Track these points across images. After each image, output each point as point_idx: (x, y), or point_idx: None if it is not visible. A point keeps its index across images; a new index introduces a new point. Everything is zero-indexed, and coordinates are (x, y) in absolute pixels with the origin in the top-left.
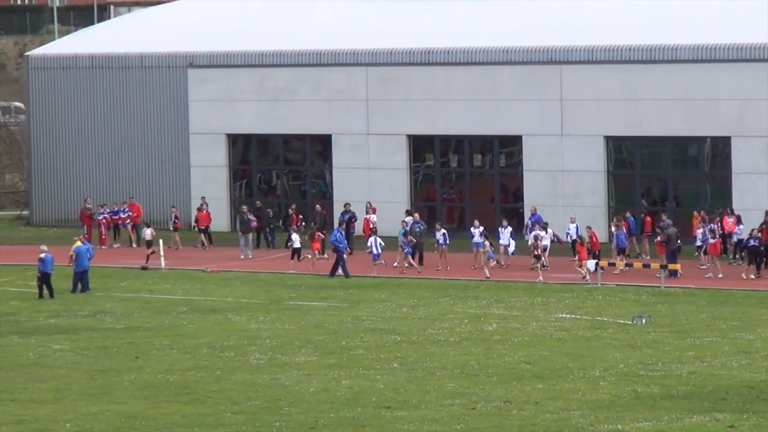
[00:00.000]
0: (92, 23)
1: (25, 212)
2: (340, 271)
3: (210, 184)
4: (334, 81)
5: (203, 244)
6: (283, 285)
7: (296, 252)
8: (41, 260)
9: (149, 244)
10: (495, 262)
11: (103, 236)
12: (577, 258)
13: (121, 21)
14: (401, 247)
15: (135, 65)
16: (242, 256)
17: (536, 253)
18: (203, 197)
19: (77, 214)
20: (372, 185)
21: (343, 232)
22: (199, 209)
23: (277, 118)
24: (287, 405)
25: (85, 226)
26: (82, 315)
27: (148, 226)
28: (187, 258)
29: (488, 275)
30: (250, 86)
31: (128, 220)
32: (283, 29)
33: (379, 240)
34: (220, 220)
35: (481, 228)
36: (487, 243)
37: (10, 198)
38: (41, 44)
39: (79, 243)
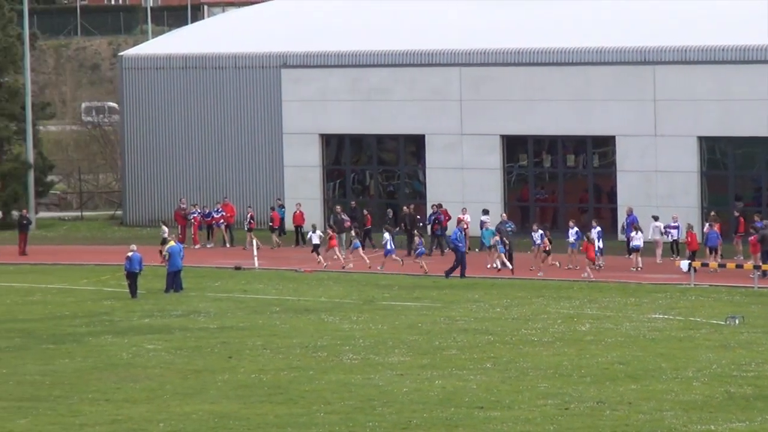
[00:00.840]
0: (186, 23)
1: (119, 212)
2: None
3: (303, 184)
4: (428, 81)
5: (278, 245)
6: (377, 285)
7: (315, 248)
8: (128, 259)
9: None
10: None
11: (194, 235)
12: (586, 256)
13: (215, 21)
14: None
15: (228, 65)
16: (335, 257)
17: (546, 249)
18: (278, 198)
19: (170, 214)
20: (465, 185)
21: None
22: (273, 209)
23: (371, 118)
24: (380, 405)
25: (179, 226)
26: (176, 315)
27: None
28: (280, 258)
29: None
30: (343, 86)
31: (222, 220)
32: (377, 29)
33: (392, 235)
34: (314, 220)
35: (574, 227)
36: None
37: (104, 198)
38: (135, 44)
39: (172, 243)
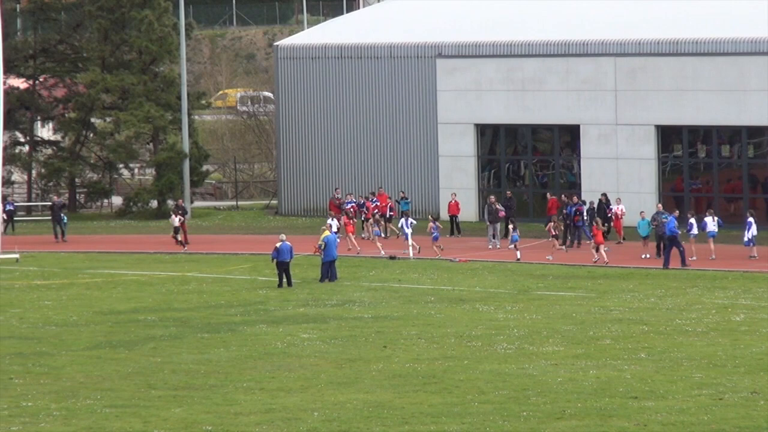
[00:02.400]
0: (341, 13)
1: (274, 201)
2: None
3: (458, 174)
4: (582, 71)
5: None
6: (531, 275)
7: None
8: (276, 249)
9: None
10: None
11: (350, 225)
12: (592, 242)
13: (370, 11)
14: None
15: (384, 55)
16: (490, 246)
17: (554, 233)
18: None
19: (325, 203)
20: (619, 175)
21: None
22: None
23: (525, 108)
24: (534, 395)
25: (334, 216)
26: (331, 304)
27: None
28: (432, 248)
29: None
30: (498, 76)
31: (376, 210)
32: (531, 19)
33: (411, 220)
34: (469, 210)
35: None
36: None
37: (259, 187)
38: (290, 34)
39: (327, 233)
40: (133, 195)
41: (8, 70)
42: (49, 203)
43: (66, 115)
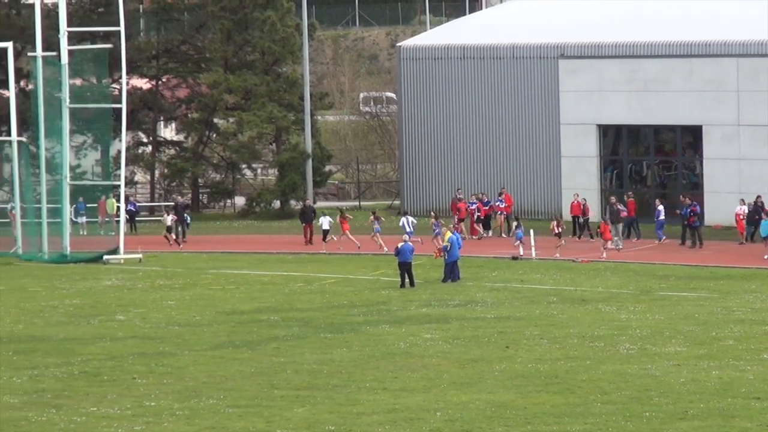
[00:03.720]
0: (463, 14)
1: (397, 202)
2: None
3: (580, 174)
4: (705, 72)
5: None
6: (653, 275)
7: (325, 234)
8: (397, 249)
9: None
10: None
11: (473, 226)
12: (602, 237)
13: (493, 12)
14: None
15: (506, 56)
16: (611, 246)
17: (556, 231)
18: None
19: (448, 204)
20: (742, 176)
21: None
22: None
23: (648, 108)
24: (657, 395)
25: (456, 217)
26: (453, 304)
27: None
28: (556, 248)
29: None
30: (620, 77)
31: (499, 211)
32: (654, 20)
33: (411, 219)
34: (591, 211)
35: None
36: None
37: (382, 188)
38: (412, 35)
39: (449, 233)
40: (255, 195)
41: (131, 71)
42: (173, 203)
43: (189, 115)
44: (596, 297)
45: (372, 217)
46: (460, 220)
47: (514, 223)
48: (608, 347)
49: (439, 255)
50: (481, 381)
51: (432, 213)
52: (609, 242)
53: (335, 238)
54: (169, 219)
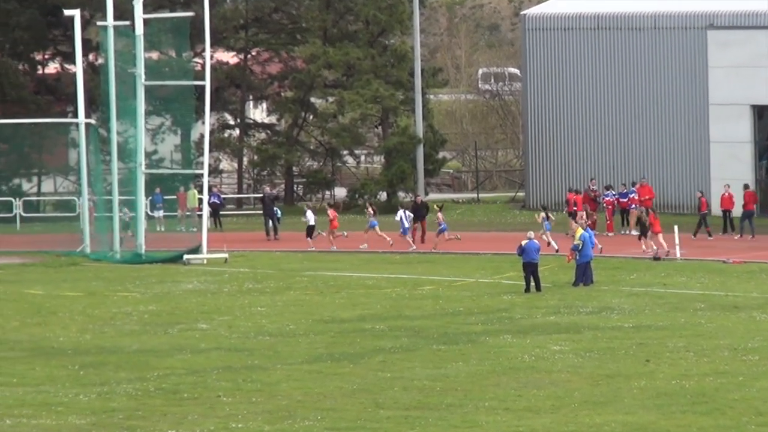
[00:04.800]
0: None
1: (520, 194)
2: None
3: (732, 163)
4: None
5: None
6: None
7: (310, 230)
8: (521, 247)
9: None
10: None
11: (609, 222)
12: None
13: None
14: None
15: (646, 26)
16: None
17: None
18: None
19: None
20: None
21: None
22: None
23: None
24: None
25: (590, 211)
26: (585, 312)
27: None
28: (706, 247)
29: None
30: None
31: (635, 204)
32: None
33: (409, 213)
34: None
35: None
36: None
37: (504, 178)
38: (539, 2)
39: (580, 230)
40: (358, 186)
41: (216, 43)
42: (261, 195)
43: (282, 94)
44: (750, 303)
45: (370, 210)
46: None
47: (542, 214)
48: (764, 361)
49: (571, 258)
50: (617, 400)
51: (436, 206)
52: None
53: (323, 234)
54: (311, 216)
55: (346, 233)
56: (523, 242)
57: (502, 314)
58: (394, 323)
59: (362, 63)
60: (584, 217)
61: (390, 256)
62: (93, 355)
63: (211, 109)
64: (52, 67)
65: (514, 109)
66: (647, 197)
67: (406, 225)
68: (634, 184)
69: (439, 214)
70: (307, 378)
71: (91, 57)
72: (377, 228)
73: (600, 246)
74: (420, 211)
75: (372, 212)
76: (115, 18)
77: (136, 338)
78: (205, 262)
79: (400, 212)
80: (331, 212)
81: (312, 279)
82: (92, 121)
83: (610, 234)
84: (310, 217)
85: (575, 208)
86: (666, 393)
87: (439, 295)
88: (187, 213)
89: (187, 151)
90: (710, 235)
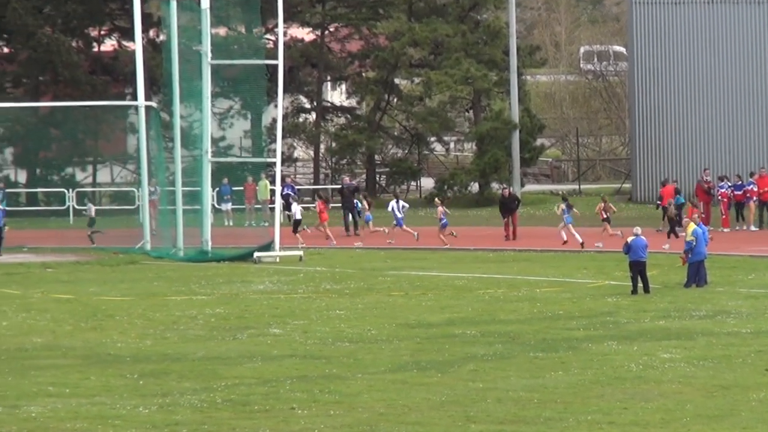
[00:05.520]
0: None
1: (627, 185)
2: None
3: None
4: None
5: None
6: None
7: (297, 224)
8: (627, 245)
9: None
10: None
11: (724, 216)
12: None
13: None
14: None
15: None
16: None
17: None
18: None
19: (691, 187)
20: None
21: None
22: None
23: None
24: None
25: (702, 203)
26: (698, 315)
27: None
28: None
29: None
30: None
31: (754, 197)
32: None
33: (402, 203)
34: None
35: None
36: None
37: (608, 167)
38: None
39: (693, 225)
40: (447, 176)
41: (290, 18)
42: (339, 186)
43: (363, 74)
44: None
45: (365, 201)
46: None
47: (562, 205)
48: None
49: (686, 259)
50: (733, 413)
51: (437, 200)
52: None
53: (309, 230)
54: (298, 210)
55: (309, 229)
56: (630, 239)
57: (606, 318)
58: (487, 328)
59: (452, 40)
60: (696, 211)
61: (483, 253)
62: (154, 363)
63: (285, 91)
64: (109, 45)
65: (619, 92)
66: (765, 190)
67: (399, 215)
68: (752, 175)
69: (440, 208)
70: (390, 388)
71: (151, 33)
72: (371, 223)
73: (619, 232)
74: (509, 205)
75: (367, 205)
76: None
77: (202, 344)
78: (277, 260)
79: (392, 203)
80: (319, 204)
81: (396, 279)
82: (153, 104)
83: (725, 230)
84: (297, 211)
85: (659, 202)
86: None
87: (536, 297)
88: (258, 206)
89: (257, 137)
90: None
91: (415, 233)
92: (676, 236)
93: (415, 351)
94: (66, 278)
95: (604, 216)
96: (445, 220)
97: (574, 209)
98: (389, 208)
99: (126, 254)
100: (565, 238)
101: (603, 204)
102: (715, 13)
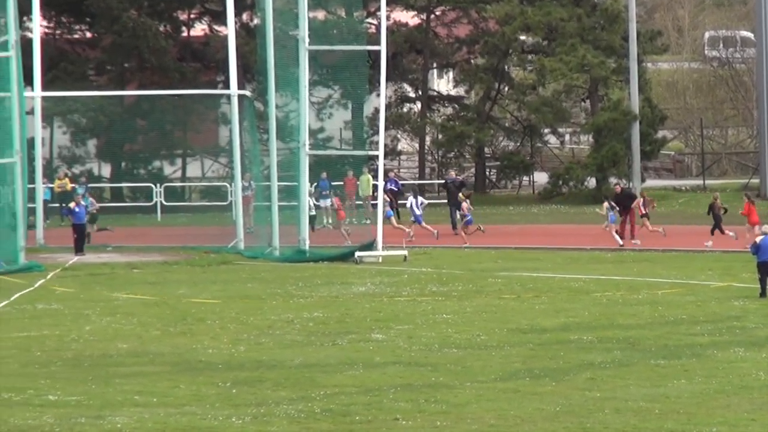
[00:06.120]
0: None
1: (754, 180)
2: None
3: None
4: None
5: None
6: None
7: (312, 220)
8: (755, 245)
9: None
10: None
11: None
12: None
13: None
14: None
15: None
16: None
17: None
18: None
19: None
20: None
21: None
22: None
23: None
24: None
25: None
26: None
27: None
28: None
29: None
30: None
31: None
32: None
33: (421, 199)
34: None
35: None
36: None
37: (734, 161)
38: None
39: None
40: (562, 171)
41: (393, 1)
42: (443, 181)
43: (471, 61)
44: None
45: (465, 204)
46: None
47: (605, 204)
48: None
49: None
50: None
51: (461, 195)
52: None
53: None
54: (607, 210)
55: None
56: (758, 239)
57: (732, 323)
58: (604, 333)
59: (567, 25)
60: None
61: (600, 253)
62: (248, 371)
63: (388, 80)
64: (199, 29)
65: (746, 80)
66: None
67: (417, 212)
68: None
69: (464, 204)
70: (501, 398)
71: (245, 17)
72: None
73: (732, 233)
74: (623, 202)
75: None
76: None
77: (299, 351)
78: (380, 260)
79: (411, 198)
80: (336, 201)
81: (507, 281)
82: (247, 92)
83: None
84: (311, 207)
85: None
86: None
87: (657, 300)
88: (358, 202)
89: (359, 128)
90: None
91: (435, 231)
92: None
93: (528, 358)
94: (153, 279)
95: (644, 211)
96: (469, 217)
97: (618, 209)
98: (407, 205)
99: (218, 254)
100: (621, 243)
101: (642, 199)
102: None
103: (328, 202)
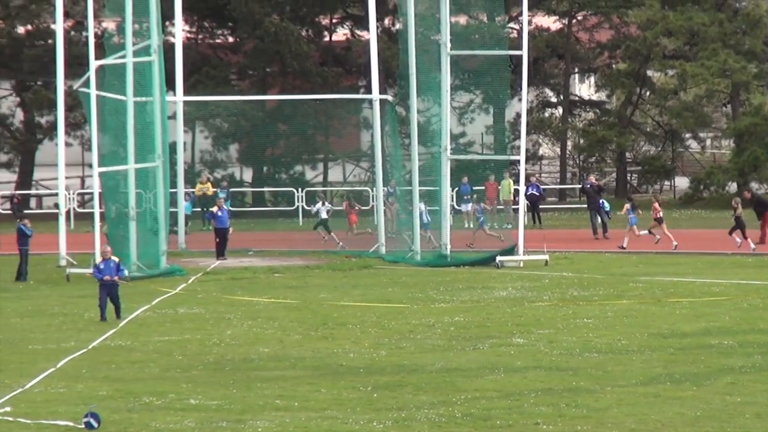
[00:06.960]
0: None
1: None
2: None
3: None
4: None
5: None
6: None
7: (322, 224)
8: None
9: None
10: None
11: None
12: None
13: None
14: None
15: None
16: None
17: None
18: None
19: None
20: None
21: None
22: None
23: None
24: None
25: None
26: None
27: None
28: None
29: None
30: None
31: None
32: None
33: (483, 205)
34: None
35: None
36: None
37: None
38: None
39: None
40: (703, 175)
41: (535, 6)
42: (581, 186)
43: (613, 66)
44: None
45: (476, 205)
46: None
47: (627, 206)
48: None
49: None
50: None
51: (475, 196)
52: None
53: (325, 236)
54: (323, 210)
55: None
56: None
57: None
58: (745, 338)
59: (708, 29)
60: None
61: (741, 258)
62: (389, 375)
63: (530, 84)
64: (341, 34)
65: None
66: None
67: (425, 220)
68: None
69: (475, 205)
70: (641, 402)
71: (386, 21)
72: (635, 227)
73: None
74: (755, 208)
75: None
76: None
77: (440, 355)
78: (521, 264)
79: (421, 205)
80: (346, 206)
81: (648, 285)
82: (389, 97)
83: None
84: (322, 211)
85: None
86: None
87: None
88: (500, 207)
89: (500, 133)
90: None
91: (501, 235)
92: None
93: (668, 362)
94: (294, 284)
95: (659, 215)
96: (483, 218)
97: (639, 210)
98: (420, 211)
99: (359, 258)
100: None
101: (657, 203)
102: None
103: (469, 207)
